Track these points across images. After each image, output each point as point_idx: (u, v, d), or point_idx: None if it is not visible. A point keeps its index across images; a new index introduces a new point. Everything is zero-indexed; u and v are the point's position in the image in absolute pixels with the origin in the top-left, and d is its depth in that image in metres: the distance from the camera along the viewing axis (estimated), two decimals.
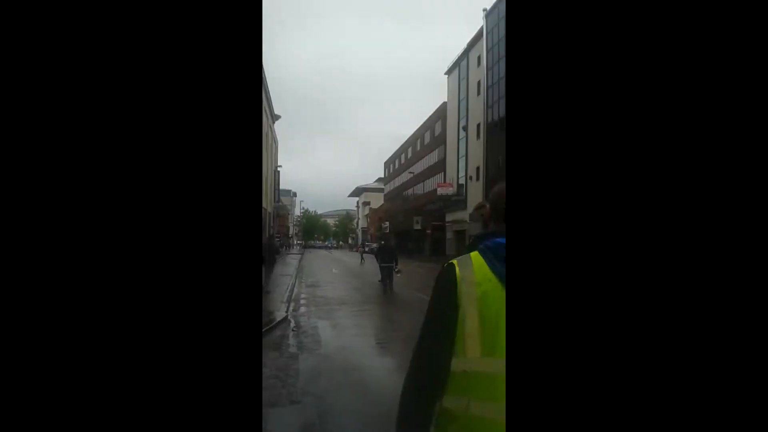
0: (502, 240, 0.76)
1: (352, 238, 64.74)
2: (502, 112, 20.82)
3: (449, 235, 28.43)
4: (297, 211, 65.47)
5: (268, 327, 5.41)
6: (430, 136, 36.05)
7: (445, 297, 0.72)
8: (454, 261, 0.79)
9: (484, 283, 0.68)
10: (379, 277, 9.65)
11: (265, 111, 28.43)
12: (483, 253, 0.79)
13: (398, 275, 9.42)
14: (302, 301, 8.08)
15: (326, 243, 60.14)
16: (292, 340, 5.07)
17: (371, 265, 12.28)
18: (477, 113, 24.46)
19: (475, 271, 0.74)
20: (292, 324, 5.94)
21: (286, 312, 6.61)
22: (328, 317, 6.47)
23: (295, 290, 9.57)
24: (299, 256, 25.04)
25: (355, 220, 69.31)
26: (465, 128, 26.23)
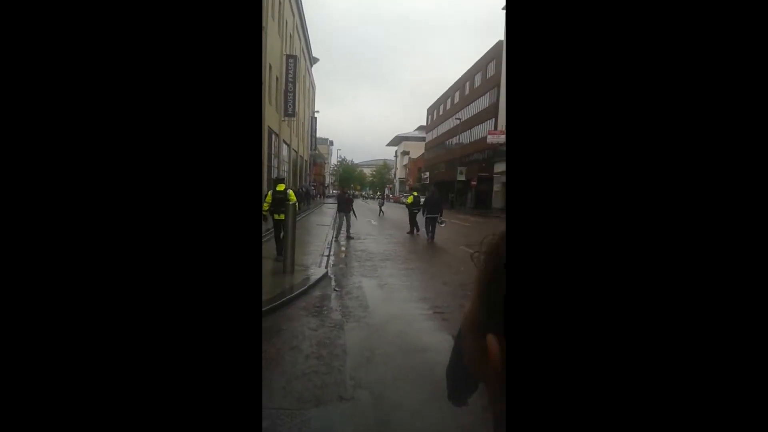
0: None
1: (390, 189, 64.04)
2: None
3: (497, 187, 26.58)
4: (333, 160, 65.07)
5: (306, 287, 4.57)
6: (482, 78, 32.84)
7: (496, 265, 0.55)
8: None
9: None
10: (407, 228, 10.50)
11: (303, 53, 26.95)
12: None
13: (442, 225, 9.78)
14: (342, 255, 7.27)
15: (362, 192, 59.93)
16: (334, 303, 4.20)
17: (395, 217, 11.83)
18: None
19: None
20: (333, 282, 5.10)
21: (326, 268, 5.80)
22: (372, 275, 5.56)
23: (333, 244, 8.80)
24: (336, 204, 24.75)
25: (393, 170, 68.07)
26: None
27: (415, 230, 10.79)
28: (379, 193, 52.64)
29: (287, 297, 4.10)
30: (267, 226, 6.80)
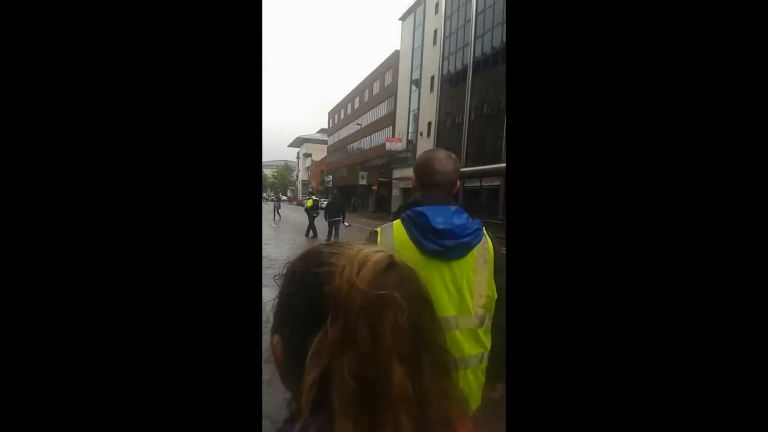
0: (423, 208, 0.85)
1: (291, 191, 62.05)
2: (458, 65, 19.83)
3: (395, 192, 27.88)
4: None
5: None
6: (380, 86, 34.10)
7: None
8: (378, 228, 0.88)
9: (402, 250, 0.72)
10: (306, 231, 10.69)
11: None
12: (404, 221, 0.86)
13: (347, 226, 10.06)
14: None
15: (264, 195, 56.96)
16: None
17: (298, 221, 11.49)
18: (431, 65, 23.15)
19: (395, 237, 0.82)
20: None
21: None
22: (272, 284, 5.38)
23: None
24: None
25: (295, 172, 66.12)
26: (417, 83, 24.89)
27: (311, 233, 10.83)
28: (272, 194, 50.46)
29: None
30: None
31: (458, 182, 0.99)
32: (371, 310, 0.31)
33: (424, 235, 0.83)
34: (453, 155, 1.00)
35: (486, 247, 0.91)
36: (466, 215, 0.90)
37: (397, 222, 0.88)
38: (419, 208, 0.85)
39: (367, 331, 0.31)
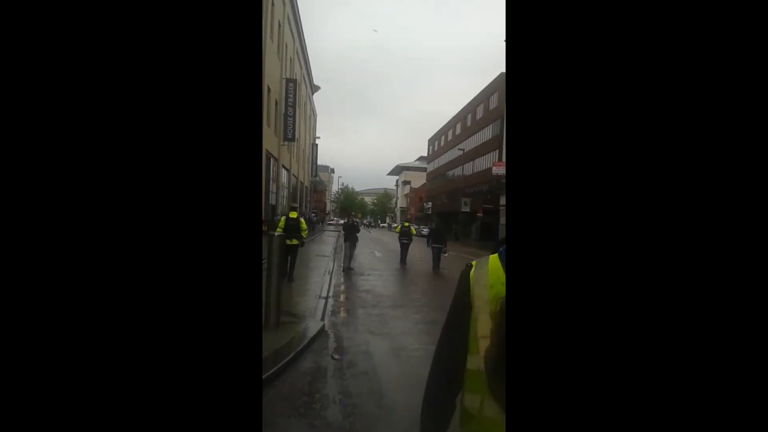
0: None
1: (390, 218, 63.08)
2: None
3: (503, 219, 25.61)
4: (335, 187, 64.53)
5: (292, 354, 3.26)
6: (484, 109, 32.69)
7: (459, 297, 0.76)
8: (473, 262, 0.86)
9: (496, 285, 0.70)
10: (418, 263, 10.36)
11: (304, 79, 26.83)
12: (500, 255, 0.84)
13: (446, 255, 10.14)
14: (342, 297, 6.04)
15: (364, 221, 59.11)
16: (332, 385, 2.91)
17: (385, 249, 10.95)
18: None
19: (489, 273, 0.78)
20: (332, 342, 3.88)
21: (322, 318, 4.59)
22: (382, 330, 4.36)
23: (333, 279, 7.58)
24: (336, 233, 23.38)
25: (394, 199, 67.42)
26: None
27: (403, 261, 10.75)
28: (371, 220, 51.44)
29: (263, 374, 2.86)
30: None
31: None
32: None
33: None
34: None
35: None
36: None
37: (494, 256, 0.84)
38: None
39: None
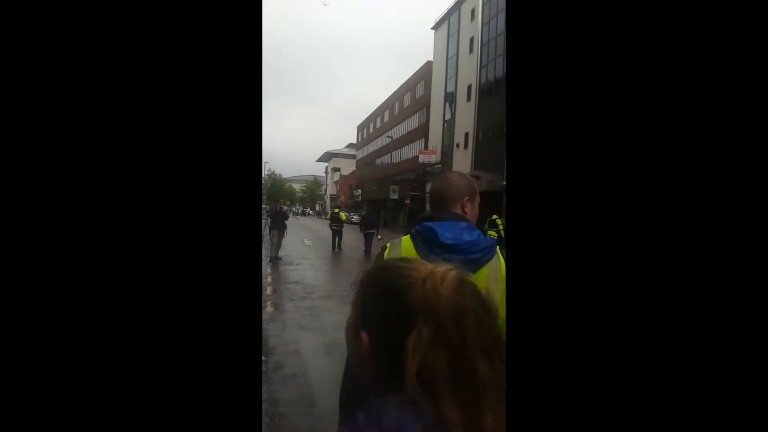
0: (431, 224, 0.88)
1: (320, 205, 62.00)
2: (498, 72, 18.59)
3: (429, 206, 26.64)
4: (262, 174, 61.11)
5: None
6: (411, 98, 33.33)
7: None
8: (387, 244, 0.93)
9: None
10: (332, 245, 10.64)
11: None
12: (412, 236, 0.89)
13: (380, 240, 9.99)
14: (269, 290, 5.70)
15: (293, 209, 57.22)
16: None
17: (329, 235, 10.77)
18: (468, 73, 22.03)
19: (402, 251, 0.85)
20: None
21: None
22: (314, 325, 4.19)
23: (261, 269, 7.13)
24: (263, 221, 22.37)
25: (324, 187, 66.25)
26: (451, 95, 23.76)
27: (336, 248, 10.75)
28: (300, 208, 49.98)
29: None
30: None
31: (475, 200, 1.01)
32: (458, 314, 0.39)
33: (431, 249, 0.83)
34: (467, 175, 1.05)
35: (497, 266, 0.91)
36: (478, 232, 0.93)
37: (406, 237, 0.89)
38: (428, 223, 0.88)
39: (456, 331, 0.39)
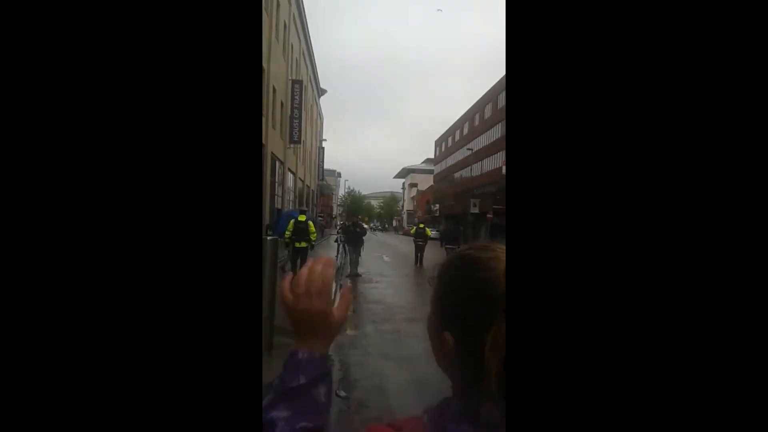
0: None
1: (397, 221, 62.50)
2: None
3: None
4: (341, 191, 64.16)
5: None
6: (492, 109, 31.97)
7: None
8: None
9: None
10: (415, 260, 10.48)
11: (311, 81, 26.37)
12: None
13: None
14: (349, 311, 5.31)
15: (371, 224, 58.53)
16: None
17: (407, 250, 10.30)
18: None
19: None
20: (336, 371, 3.15)
21: None
22: (399, 354, 3.63)
23: (341, 285, 6.86)
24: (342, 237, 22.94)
25: (401, 202, 66.82)
26: None
27: (419, 263, 10.50)
28: (378, 224, 50.78)
29: None
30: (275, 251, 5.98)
31: None
32: None
33: None
34: None
35: None
36: None
37: None
38: None
39: None
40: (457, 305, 0.40)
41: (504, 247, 0.42)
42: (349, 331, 4.26)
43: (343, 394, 2.72)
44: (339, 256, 8.91)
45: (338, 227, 9.84)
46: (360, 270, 8.34)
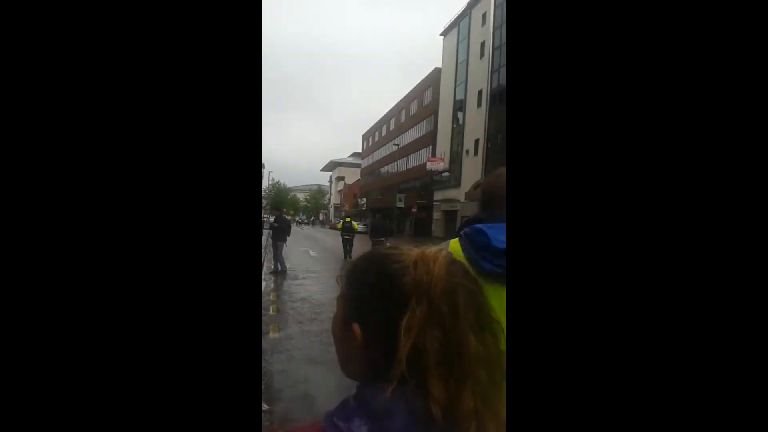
0: (482, 226, 0.79)
1: (324, 214, 61.58)
2: None
3: (437, 215, 25.91)
4: (265, 184, 61.04)
5: None
6: (418, 105, 32.91)
7: None
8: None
9: None
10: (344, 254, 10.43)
11: None
12: (461, 240, 0.80)
13: None
14: (271, 310, 4.95)
15: (296, 217, 56.68)
16: None
17: (335, 245, 10.21)
18: (478, 78, 21.47)
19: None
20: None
21: None
22: (327, 357, 3.43)
23: (263, 283, 6.41)
24: (268, 231, 21.87)
25: (328, 196, 65.88)
26: (460, 105, 23.20)
27: (347, 256, 10.42)
28: (304, 217, 49.71)
29: None
30: None
31: None
32: (449, 293, 0.40)
33: (480, 254, 0.77)
34: None
35: None
36: None
37: (454, 240, 0.82)
38: (479, 225, 0.80)
39: (448, 309, 0.40)
40: (371, 297, 0.42)
41: (410, 248, 0.44)
42: (271, 335, 3.93)
43: (265, 407, 2.44)
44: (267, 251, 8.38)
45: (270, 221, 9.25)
46: (285, 265, 7.89)
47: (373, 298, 0.42)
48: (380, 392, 0.39)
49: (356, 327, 0.42)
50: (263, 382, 2.81)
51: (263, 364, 3.11)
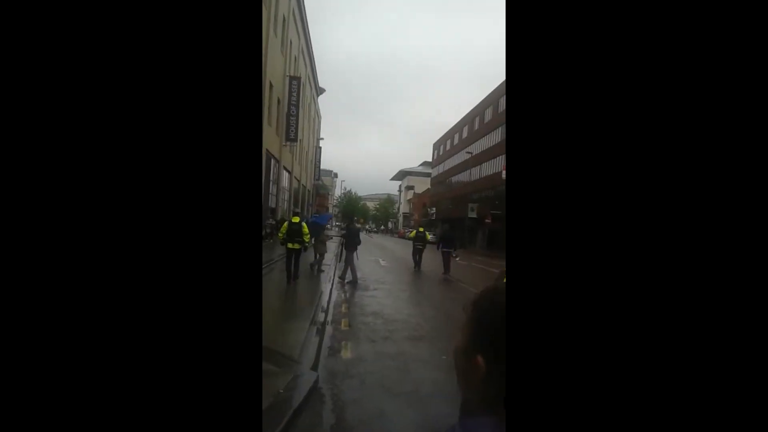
0: None
1: (392, 223, 62.01)
2: None
3: None
4: (338, 192, 63.50)
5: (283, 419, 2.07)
6: (492, 112, 31.56)
7: None
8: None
9: None
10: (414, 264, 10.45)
11: (309, 79, 25.77)
12: None
13: (456, 259, 10.44)
14: (342, 324, 4.73)
15: (366, 226, 57.84)
16: None
17: (403, 254, 9.86)
18: None
19: None
20: (328, 413, 2.55)
21: (315, 364, 3.27)
22: (403, 387, 3.05)
23: (334, 295, 6.29)
24: (339, 239, 22.51)
25: (397, 205, 66.31)
26: None
27: (417, 267, 10.39)
28: (373, 225, 50.37)
29: None
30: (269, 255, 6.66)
31: None
32: None
33: None
34: None
35: None
36: None
37: None
38: None
39: None
40: (495, 331, 0.42)
41: None
42: (343, 354, 3.68)
43: None
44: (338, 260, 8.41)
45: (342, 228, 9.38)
46: (357, 276, 7.75)
47: (491, 332, 0.42)
48: (488, 428, 0.39)
49: (480, 359, 0.42)
50: (333, 410, 2.53)
51: (332, 389, 2.85)
